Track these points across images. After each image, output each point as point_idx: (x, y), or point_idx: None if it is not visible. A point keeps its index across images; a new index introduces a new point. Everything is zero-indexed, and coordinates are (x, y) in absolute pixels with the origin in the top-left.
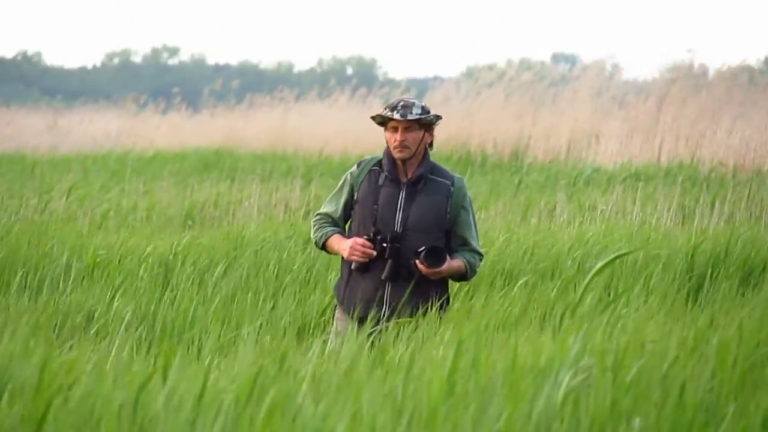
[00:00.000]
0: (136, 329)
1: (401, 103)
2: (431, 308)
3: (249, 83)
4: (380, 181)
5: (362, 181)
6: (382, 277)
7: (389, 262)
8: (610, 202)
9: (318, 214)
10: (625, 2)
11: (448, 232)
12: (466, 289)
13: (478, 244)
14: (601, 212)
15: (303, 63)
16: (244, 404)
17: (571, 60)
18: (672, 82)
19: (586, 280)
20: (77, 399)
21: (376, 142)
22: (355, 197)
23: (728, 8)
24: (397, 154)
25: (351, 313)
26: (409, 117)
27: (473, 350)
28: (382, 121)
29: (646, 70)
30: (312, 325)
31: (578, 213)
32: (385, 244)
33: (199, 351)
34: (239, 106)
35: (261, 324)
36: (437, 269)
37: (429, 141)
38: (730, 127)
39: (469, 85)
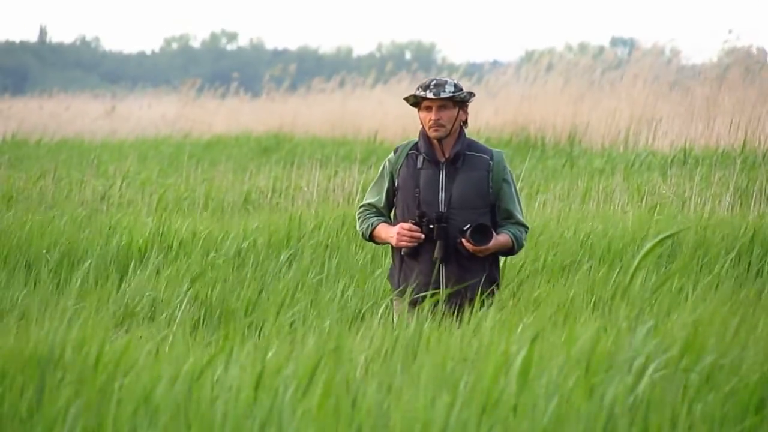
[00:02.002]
0: (198, 314)
1: (434, 82)
2: (484, 287)
3: (308, 68)
4: (419, 164)
5: (401, 167)
6: (433, 259)
7: (439, 242)
8: (668, 186)
9: (362, 206)
10: None
11: (493, 207)
12: (526, 275)
13: (522, 216)
14: (659, 196)
15: (362, 48)
16: (304, 388)
17: (630, 44)
18: (730, 66)
19: (636, 262)
20: (133, 385)
21: None
22: (396, 184)
23: None
24: (432, 134)
25: (408, 298)
26: (443, 95)
27: (533, 337)
28: (415, 101)
29: (705, 54)
30: (373, 309)
31: (636, 197)
32: (431, 226)
33: (259, 336)
34: (298, 91)
35: (320, 309)
36: (484, 246)
37: (464, 119)
38: None
39: (528, 70)
